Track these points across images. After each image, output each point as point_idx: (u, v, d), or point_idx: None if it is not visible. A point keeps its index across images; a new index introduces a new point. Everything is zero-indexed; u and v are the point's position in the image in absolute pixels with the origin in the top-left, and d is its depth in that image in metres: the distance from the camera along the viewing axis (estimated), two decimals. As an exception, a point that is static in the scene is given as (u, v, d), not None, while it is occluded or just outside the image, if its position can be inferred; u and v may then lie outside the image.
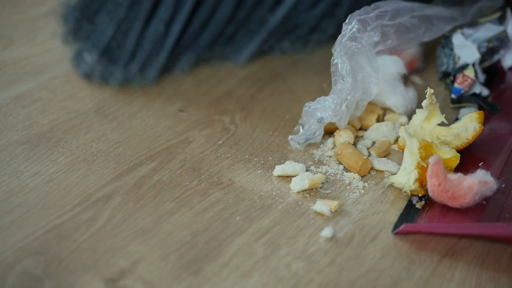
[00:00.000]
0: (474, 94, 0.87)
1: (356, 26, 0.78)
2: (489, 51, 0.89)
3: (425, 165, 0.71)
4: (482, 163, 0.76)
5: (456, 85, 0.86)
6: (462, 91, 0.86)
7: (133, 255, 0.67)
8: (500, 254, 0.68)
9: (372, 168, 0.77)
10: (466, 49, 0.87)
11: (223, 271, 0.66)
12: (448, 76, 0.88)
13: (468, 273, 0.66)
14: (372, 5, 0.81)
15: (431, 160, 0.70)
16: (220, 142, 0.81)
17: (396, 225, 0.70)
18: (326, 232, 0.69)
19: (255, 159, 0.79)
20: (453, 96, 0.86)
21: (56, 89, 0.89)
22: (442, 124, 0.78)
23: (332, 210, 0.72)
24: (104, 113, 0.85)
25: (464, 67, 0.86)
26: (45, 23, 1.03)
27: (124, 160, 0.78)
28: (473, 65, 0.86)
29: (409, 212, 0.72)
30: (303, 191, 0.74)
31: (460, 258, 0.68)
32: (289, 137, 0.79)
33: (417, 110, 0.79)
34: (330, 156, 0.79)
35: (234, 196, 0.74)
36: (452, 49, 0.88)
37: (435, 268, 0.67)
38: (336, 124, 0.78)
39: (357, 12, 0.79)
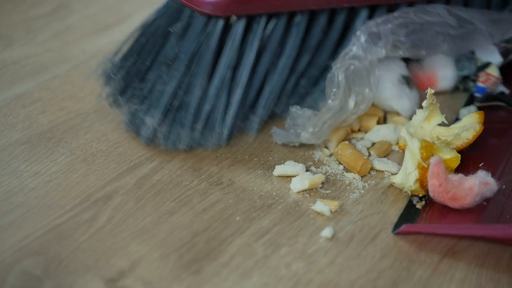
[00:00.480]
0: (502, 93, 0.87)
1: (365, 40, 0.76)
2: (506, 51, 0.88)
3: (425, 166, 0.71)
4: (482, 163, 0.76)
5: (479, 83, 0.86)
6: (488, 90, 0.86)
7: (133, 255, 0.67)
8: (500, 254, 0.68)
9: (372, 168, 0.77)
10: (488, 52, 0.86)
11: (223, 271, 0.66)
12: (466, 79, 0.87)
13: (468, 273, 0.66)
14: (397, 13, 0.79)
15: (432, 160, 0.70)
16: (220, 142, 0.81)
17: (397, 225, 0.70)
18: (326, 232, 0.69)
19: (255, 159, 0.79)
20: (477, 95, 0.86)
21: (56, 89, 0.89)
22: (442, 124, 0.78)
23: (332, 210, 0.72)
24: (104, 113, 0.85)
25: (486, 65, 0.86)
26: (45, 23, 1.03)
27: (124, 160, 0.78)
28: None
29: (409, 212, 0.72)
30: (303, 191, 0.74)
31: (460, 258, 0.68)
32: (273, 129, 0.79)
33: (417, 110, 0.79)
34: (330, 156, 0.79)
35: (234, 196, 0.74)
36: (473, 52, 0.87)
37: (435, 268, 0.67)
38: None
39: (372, 22, 0.77)
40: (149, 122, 0.77)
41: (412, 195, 0.74)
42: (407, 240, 0.69)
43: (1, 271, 0.65)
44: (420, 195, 0.73)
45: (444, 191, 0.70)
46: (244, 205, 0.73)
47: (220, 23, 0.76)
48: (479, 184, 0.70)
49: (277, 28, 0.79)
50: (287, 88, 0.81)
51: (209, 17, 0.76)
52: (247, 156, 0.79)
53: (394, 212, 0.72)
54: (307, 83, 0.83)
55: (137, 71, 0.80)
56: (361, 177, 0.76)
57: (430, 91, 0.77)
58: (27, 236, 0.68)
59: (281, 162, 0.78)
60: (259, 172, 0.77)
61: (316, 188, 0.75)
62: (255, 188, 0.75)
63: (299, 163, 0.77)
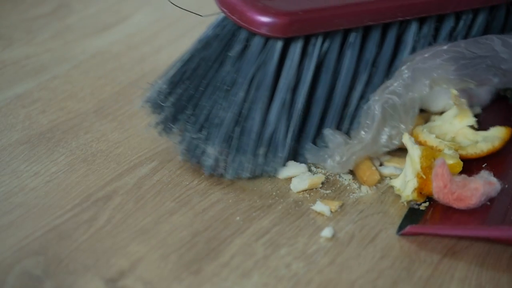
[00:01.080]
0: None
1: (407, 77, 0.74)
2: None
3: (424, 176, 0.71)
4: (485, 164, 0.76)
5: None
6: None
7: (133, 255, 0.67)
8: (500, 254, 0.68)
9: (379, 180, 0.76)
10: None
11: (223, 271, 0.66)
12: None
13: (468, 273, 0.66)
14: (447, 46, 0.76)
15: (437, 161, 0.70)
16: (220, 142, 0.81)
17: (401, 227, 0.70)
18: (326, 232, 0.69)
19: (255, 159, 0.79)
20: None
21: (56, 89, 0.89)
22: (472, 127, 0.78)
23: (332, 210, 0.72)
24: (104, 113, 0.85)
25: None
26: (45, 23, 1.03)
27: (124, 160, 0.78)
28: None
29: (413, 213, 0.72)
30: (303, 191, 0.74)
31: (460, 258, 0.68)
32: (308, 144, 0.76)
33: (452, 108, 0.78)
34: None
35: (234, 196, 0.74)
36: None
37: (435, 268, 0.67)
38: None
39: (420, 57, 0.75)
40: (210, 151, 0.73)
41: (411, 202, 0.73)
42: (407, 240, 0.69)
43: (1, 271, 0.65)
44: (419, 203, 0.73)
45: (449, 192, 0.70)
46: (244, 205, 0.73)
47: (279, 44, 0.73)
48: (483, 184, 0.70)
49: (333, 46, 0.76)
50: (348, 109, 0.78)
51: (267, 38, 0.73)
52: (247, 156, 0.79)
53: (394, 212, 0.72)
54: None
55: (189, 97, 0.75)
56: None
57: (453, 92, 0.76)
58: (27, 236, 0.68)
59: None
60: (259, 172, 0.77)
61: (316, 188, 0.75)
62: (255, 188, 0.75)
63: (300, 163, 0.76)
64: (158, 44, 1.00)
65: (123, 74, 0.93)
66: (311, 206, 0.73)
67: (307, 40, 0.74)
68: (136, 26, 1.04)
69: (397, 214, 0.72)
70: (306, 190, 0.74)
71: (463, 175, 0.71)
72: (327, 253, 0.68)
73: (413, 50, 0.79)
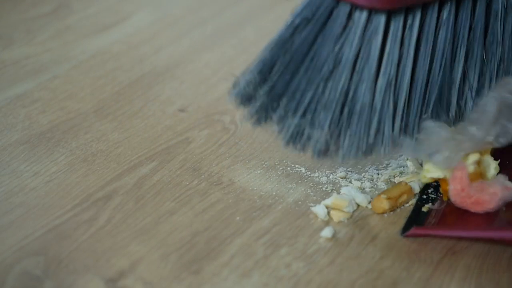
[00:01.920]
0: None
1: None
2: None
3: (446, 175, 0.71)
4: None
5: None
6: None
7: (133, 255, 0.67)
8: (500, 254, 0.68)
9: (387, 210, 0.73)
10: None
11: (223, 271, 0.66)
12: None
13: (468, 273, 0.66)
14: None
15: (458, 164, 0.70)
16: (220, 142, 0.81)
17: (405, 228, 0.70)
18: (326, 232, 0.69)
19: (255, 159, 0.79)
20: None
21: (56, 89, 0.89)
22: None
23: (336, 221, 0.71)
24: (104, 113, 0.85)
25: None
26: (45, 23, 1.03)
27: (124, 160, 0.78)
28: None
29: (417, 215, 0.72)
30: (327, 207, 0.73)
31: (460, 258, 0.68)
32: (403, 139, 0.73)
33: None
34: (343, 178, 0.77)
35: (234, 196, 0.74)
36: None
37: (435, 268, 0.67)
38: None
39: None
40: (318, 135, 0.71)
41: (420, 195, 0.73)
42: (407, 240, 0.69)
43: (1, 271, 0.65)
44: (426, 198, 0.73)
45: (466, 196, 0.70)
46: (244, 205, 0.73)
47: (383, 18, 0.70)
48: (501, 188, 0.70)
49: (430, 20, 0.72)
50: (454, 86, 0.75)
51: (370, 12, 0.70)
52: (247, 156, 0.79)
53: (394, 212, 0.72)
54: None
55: (285, 83, 0.72)
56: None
57: None
58: (27, 236, 0.68)
59: (281, 162, 0.78)
60: (259, 172, 0.77)
61: (316, 189, 0.75)
62: (255, 188, 0.75)
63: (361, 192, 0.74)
64: (158, 44, 1.00)
65: (123, 74, 0.93)
66: (311, 206, 0.73)
67: (406, 13, 0.71)
68: (136, 26, 1.04)
69: (397, 214, 0.72)
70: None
71: (479, 180, 0.71)
72: (327, 253, 0.68)
73: (504, 20, 0.76)
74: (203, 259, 0.67)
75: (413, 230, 0.69)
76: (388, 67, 0.71)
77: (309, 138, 0.71)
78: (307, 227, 0.70)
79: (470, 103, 0.74)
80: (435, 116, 0.73)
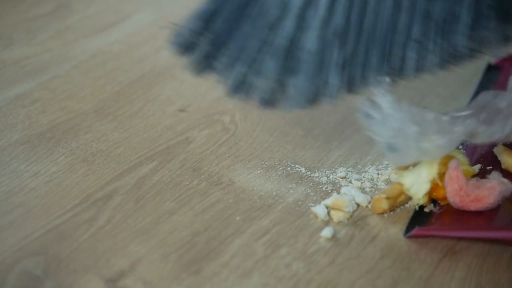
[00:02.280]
0: None
1: None
2: None
3: (439, 183, 0.71)
4: (491, 166, 0.76)
5: None
6: None
7: (133, 255, 0.67)
8: (500, 254, 0.68)
9: (386, 210, 0.72)
10: None
11: (223, 271, 0.66)
12: None
13: (468, 273, 0.66)
14: None
15: (451, 164, 0.70)
16: (220, 142, 0.81)
17: (408, 229, 0.70)
18: (326, 232, 0.69)
19: (255, 159, 0.79)
20: None
21: (56, 89, 0.89)
22: None
23: (336, 221, 0.71)
24: (104, 113, 0.85)
25: None
26: (45, 23, 1.03)
27: (124, 160, 0.78)
28: None
29: (419, 215, 0.71)
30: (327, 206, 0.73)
31: (460, 258, 0.68)
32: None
33: None
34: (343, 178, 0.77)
35: (234, 196, 0.74)
36: None
37: (435, 268, 0.67)
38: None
39: None
40: (263, 83, 0.69)
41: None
42: (407, 240, 0.69)
43: (1, 271, 0.65)
44: (425, 205, 0.73)
45: (465, 194, 0.70)
46: (244, 205, 0.73)
47: None
48: (498, 183, 0.70)
49: None
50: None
51: None
52: (247, 156, 0.79)
53: (395, 212, 0.72)
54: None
55: (229, 30, 0.70)
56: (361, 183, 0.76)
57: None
58: (27, 236, 0.68)
59: (281, 162, 0.78)
60: (259, 172, 0.77)
61: (316, 189, 0.75)
62: (255, 188, 0.75)
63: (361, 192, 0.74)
64: (158, 44, 1.00)
65: (123, 74, 0.93)
66: (311, 206, 0.73)
67: None
68: (136, 26, 1.04)
69: (397, 214, 0.72)
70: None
71: (475, 177, 0.71)
72: (327, 253, 0.68)
73: None
74: (203, 259, 0.67)
75: (416, 231, 0.69)
76: (336, 15, 0.68)
77: (254, 86, 0.69)
78: (307, 227, 0.70)
79: (412, 55, 0.70)
80: (379, 67, 0.70)
